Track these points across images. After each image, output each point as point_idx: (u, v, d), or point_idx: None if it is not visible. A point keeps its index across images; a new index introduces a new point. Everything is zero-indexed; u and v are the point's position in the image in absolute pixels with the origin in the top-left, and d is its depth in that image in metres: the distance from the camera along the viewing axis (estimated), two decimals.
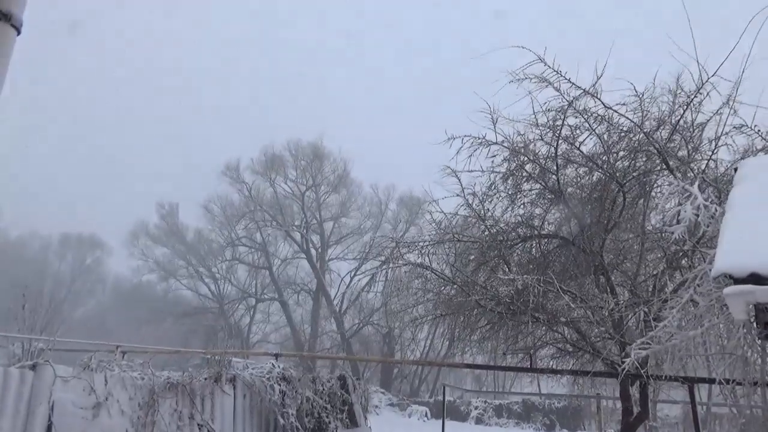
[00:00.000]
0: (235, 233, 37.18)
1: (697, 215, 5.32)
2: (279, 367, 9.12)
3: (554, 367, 9.38)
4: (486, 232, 8.88)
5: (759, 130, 6.85)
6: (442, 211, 9.53)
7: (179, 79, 60.47)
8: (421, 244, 9.34)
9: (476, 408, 23.99)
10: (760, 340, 6.58)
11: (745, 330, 5.62)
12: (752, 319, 5.67)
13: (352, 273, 34.38)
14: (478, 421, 23.22)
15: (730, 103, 6.98)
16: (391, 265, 9.83)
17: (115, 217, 44.94)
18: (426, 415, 22.84)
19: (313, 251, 35.87)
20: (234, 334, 35.11)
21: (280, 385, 8.67)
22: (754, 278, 3.75)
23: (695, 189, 5.46)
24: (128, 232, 39.49)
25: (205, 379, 7.72)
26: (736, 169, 5.84)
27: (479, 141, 8.13)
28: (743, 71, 6.68)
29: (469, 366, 12.13)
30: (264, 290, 37.71)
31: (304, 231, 35.73)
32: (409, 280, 9.77)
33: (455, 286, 9.00)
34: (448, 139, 8.15)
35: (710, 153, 7.45)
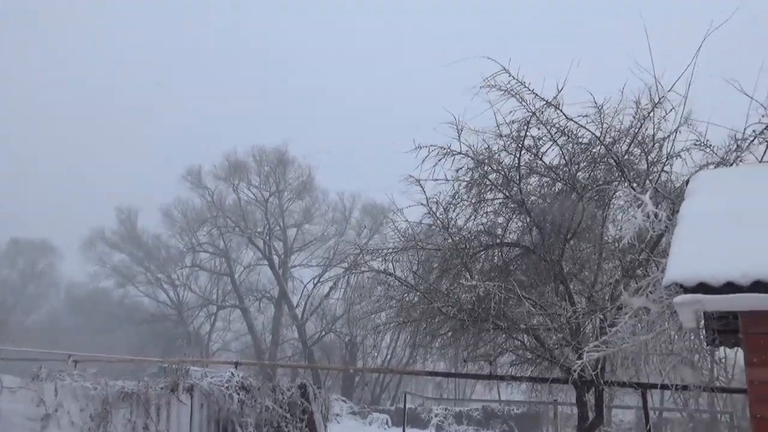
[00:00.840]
0: (196, 239, 36.45)
1: (648, 220, 5.51)
2: (238, 375, 8.96)
3: (513, 374, 9.52)
4: (449, 240, 8.97)
5: (710, 145, 7.15)
6: (407, 220, 9.61)
7: (140, 83, 59.23)
8: (384, 251, 9.36)
9: (437, 415, 24.06)
10: (708, 346, 6.85)
11: (693, 336, 5.83)
12: (701, 326, 5.89)
13: (315, 280, 34.11)
14: (439, 428, 23.27)
15: (678, 118, 7.30)
16: (354, 271, 9.83)
17: (71, 222, 43.52)
18: (387, 423, 22.80)
19: (275, 258, 35.45)
20: (193, 342, 34.36)
21: (239, 394, 8.52)
22: (703, 288, 3.91)
23: (646, 198, 5.67)
24: (85, 238, 38.26)
25: (161, 388, 7.52)
26: (688, 182, 6.09)
27: (444, 151, 8.22)
28: (689, 86, 6.99)
29: (430, 373, 12.18)
30: (225, 297, 37.04)
31: (267, 237, 35.31)
32: (372, 287, 9.74)
33: (418, 293, 9.05)
34: (415, 148, 8.22)
35: (662, 166, 7.73)
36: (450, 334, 9.32)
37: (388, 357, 29.94)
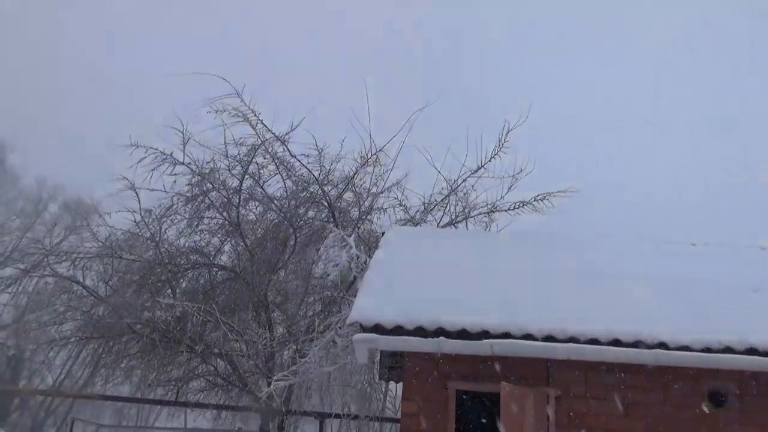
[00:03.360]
0: None
1: (351, 261, 6.08)
2: None
3: (201, 400, 9.23)
4: (152, 253, 8.43)
5: (407, 206, 8.36)
6: (111, 226, 8.72)
7: None
8: (75, 255, 8.33)
9: None
10: (380, 380, 7.75)
11: (368, 370, 6.52)
12: (376, 361, 6.62)
13: None
14: None
15: (384, 176, 8.38)
16: (34, 273, 8.67)
17: None
18: None
19: None
20: None
21: None
22: (378, 329, 4.42)
23: (351, 241, 6.24)
24: None
25: None
26: (383, 233, 6.90)
27: (164, 157, 7.76)
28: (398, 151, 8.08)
29: (106, 398, 11.11)
30: None
31: None
32: (54, 295, 8.75)
33: (110, 308, 8.26)
34: (130, 145, 7.54)
35: (371, 216, 8.63)
36: (139, 355, 8.66)
37: (62, 377, 26.10)
